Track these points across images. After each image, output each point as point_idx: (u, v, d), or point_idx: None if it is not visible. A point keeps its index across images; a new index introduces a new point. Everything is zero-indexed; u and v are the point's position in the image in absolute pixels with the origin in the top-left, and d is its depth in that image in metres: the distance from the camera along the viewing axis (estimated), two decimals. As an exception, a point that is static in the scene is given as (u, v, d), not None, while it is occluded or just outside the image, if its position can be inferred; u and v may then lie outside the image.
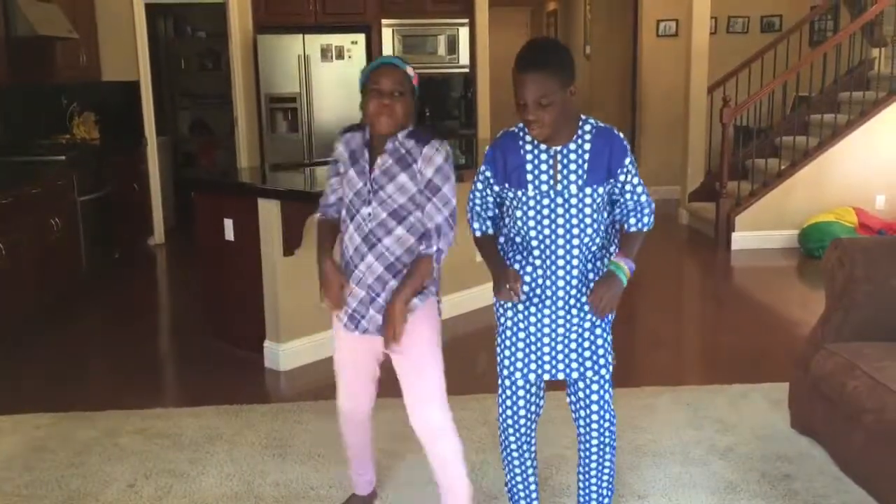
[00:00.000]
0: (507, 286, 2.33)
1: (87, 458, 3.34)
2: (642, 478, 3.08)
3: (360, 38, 7.33)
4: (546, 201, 2.33)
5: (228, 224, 4.42)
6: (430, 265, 2.41)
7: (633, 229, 2.42)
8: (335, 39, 7.27)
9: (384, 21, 7.46)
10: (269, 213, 4.16)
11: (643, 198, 2.40)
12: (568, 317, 2.41)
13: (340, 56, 7.31)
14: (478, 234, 2.52)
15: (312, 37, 7.23)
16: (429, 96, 7.90)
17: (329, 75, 7.32)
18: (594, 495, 2.62)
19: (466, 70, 7.69)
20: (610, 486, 2.63)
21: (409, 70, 2.40)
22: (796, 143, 7.33)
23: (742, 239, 7.00)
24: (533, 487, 2.67)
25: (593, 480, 2.60)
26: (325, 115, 7.36)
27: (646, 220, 2.42)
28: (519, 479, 2.64)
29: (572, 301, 2.40)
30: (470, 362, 4.57)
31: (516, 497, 2.68)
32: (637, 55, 9.54)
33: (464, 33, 7.58)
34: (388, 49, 7.46)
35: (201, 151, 9.26)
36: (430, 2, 7.57)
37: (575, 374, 2.46)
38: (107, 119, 7.13)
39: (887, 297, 3.11)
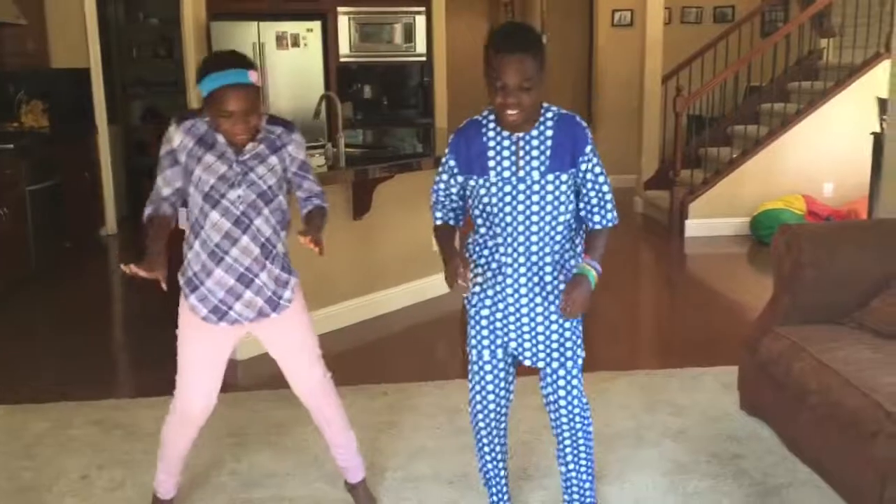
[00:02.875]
0: (458, 271, 2.27)
1: (38, 450, 3.29)
2: (596, 461, 3.12)
3: (317, 25, 7.27)
4: (508, 188, 2.32)
5: (182, 213, 4.35)
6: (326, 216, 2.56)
7: (597, 226, 2.41)
8: (290, 27, 7.20)
9: (340, 9, 7.39)
10: (224, 201, 4.12)
11: (605, 190, 2.38)
12: (532, 304, 2.41)
13: (296, 44, 7.24)
14: (438, 222, 2.52)
15: (267, 24, 7.15)
16: (385, 85, 7.88)
17: (285, 63, 7.24)
18: (574, 481, 2.63)
19: (423, 59, 7.67)
20: (589, 473, 2.63)
21: (253, 77, 2.34)
22: (747, 132, 7.46)
23: (695, 226, 7.12)
24: (503, 473, 2.69)
25: (571, 467, 2.61)
26: (281, 102, 7.28)
27: (609, 215, 2.40)
28: (490, 464, 2.65)
29: (536, 290, 2.40)
30: (429, 350, 4.60)
31: (489, 480, 2.69)
32: (593, 45, 9.61)
33: (420, 21, 7.55)
34: (344, 37, 7.40)
35: (154, 140, 9.10)
36: (387, -11, 7.54)
37: (541, 364, 2.47)
38: (56, 107, 6.98)
39: (833, 282, 3.19)
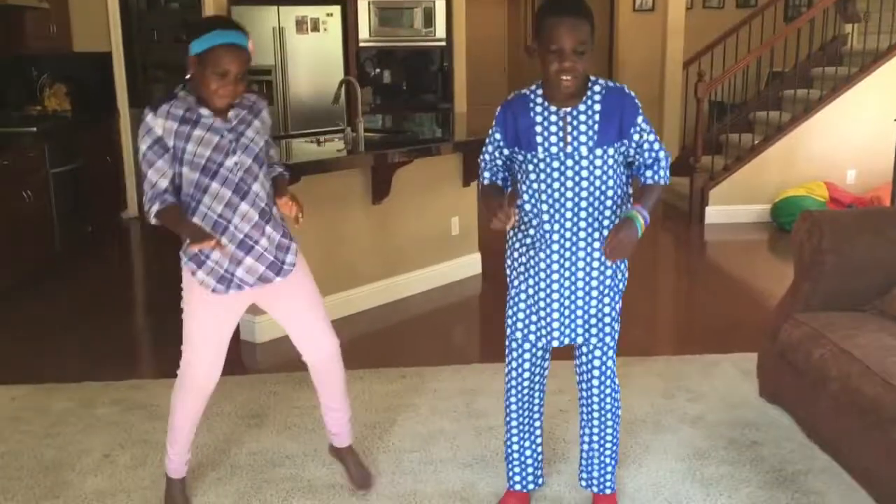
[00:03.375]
0: (504, 205, 2.24)
1: (62, 428, 3.34)
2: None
3: (336, 10, 7.27)
4: (556, 164, 2.31)
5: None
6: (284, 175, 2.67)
7: (649, 181, 2.40)
8: (310, 11, 7.20)
9: (360, -7, 7.40)
10: (245, 185, 4.14)
11: (661, 153, 2.38)
12: (573, 279, 2.39)
13: (316, 28, 7.25)
14: (486, 182, 2.48)
15: (287, 8, 7.16)
16: (405, 70, 7.88)
17: (305, 47, 7.25)
18: (596, 462, 2.64)
19: (443, 43, 7.65)
20: (613, 457, 2.64)
21: (251, 45, 2.41)
22: (769, 119, 7.39)
23: (715, 213, 7.07)
24: (533, 453, 2.68)
25: (596, 447, 2.61)
26: (301, 87, 7.31)
27: (662, 173, 2.39)
28: (517, 444, 2.66)
29: (581, 264, 2.38)
30: (447, 334, 4.61)
31: (511, 460, 2.69)
32: (614, 29, 9.54)
33: (440, 6, 7.53)
34: (364, 22, 7.39)
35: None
36: (407, -26, 7.52)
37: (580, 340, 2.46)
38: (78, 91, 7.03)
39: (854, 269, 3.17)
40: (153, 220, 2.46)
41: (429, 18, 7.54)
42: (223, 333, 2.64)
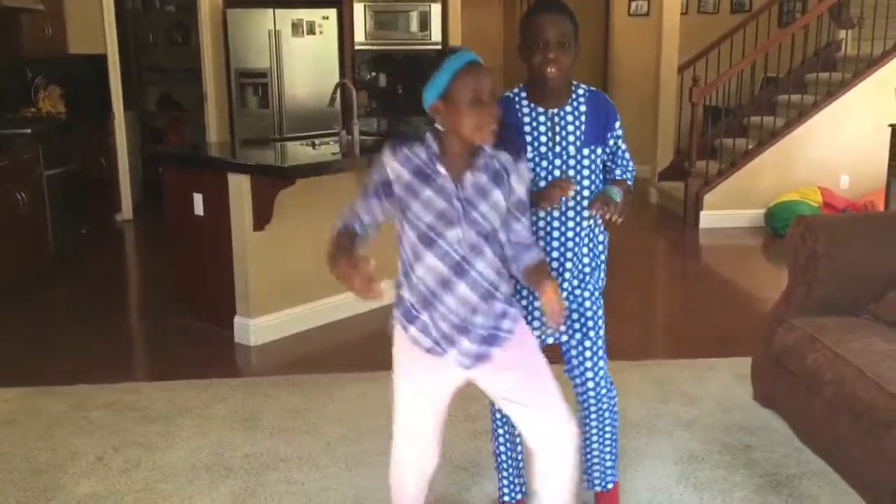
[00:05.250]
0: (561, 186, 2.24)
1: (55, 431, 3.32)
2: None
3: (332, 13, 7.27)
4: (545, 163, 2.36)
5: (198, 199, 4.39)
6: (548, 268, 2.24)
7: (618, 177, 2.49)
8: (306, 14, 7.21)
9: (356, -4, 7.41)
10: (240, 187, 4.14)
11: (630, 164, 2.51)
12: (572, 280, 2.43)
13: (312, 31, 7.26)
14: None
15: (283, 11, 7.16)
16: (401, 73, 7.88)
17: (300, 50, 7.26)
18: (597, 461, 2.64)
19: (439, 47, 7.66)
20: (613, 452, 2.64)
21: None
22: (764, 124, 7.42)
23: (710, 217, 7.09)
24: (519, 458, 2.67)
25: (595, 447, 2.62)
26: (296, 90, 7.31)
27: (629, 174, 2.50)
28: (503, 447, 2.66)
29: (568, 265, 2.42)
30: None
31: (500, 464, 2.69)
32: (609, 34, 9.56)
33: (436, 10, 7.55)
34: (359, 25, 7.40)
35: (170, 127, 9.14)
36: (403, -23, 7.53)
37: (564, 337, 2.48)
38: (73, 93, 7.02)
39: (848, 273, 3.17)
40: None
41: (424, 22, 7.55)
42: (436, 403, 2.23)
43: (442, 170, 2.06)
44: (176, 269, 4.78)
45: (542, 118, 2.36)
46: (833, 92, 7.07)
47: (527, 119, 2.37)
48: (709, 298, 5.28)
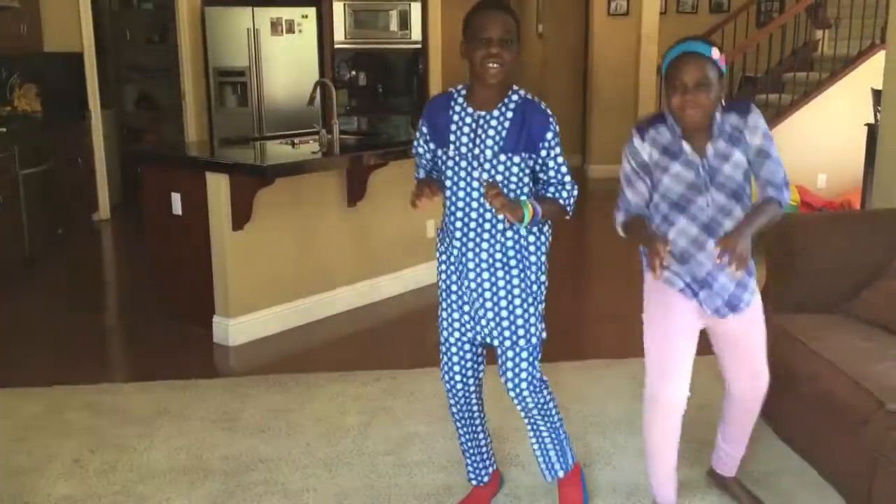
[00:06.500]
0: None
1: (31, 433, 3.29)
2: (588, 447, 3.15)
3: (311, 11, 7.24)
4: (464, 164, 2.40)
5: (176, 198, 4.36)
6: (777, 210, 2.41)
7: (549, 196, 2.42)
8: (285, 13, 7.17)
9: (335, -5, 7.38)
10: (218, 187, 4.12)
11: (567, 178, 2.42)
12: (479, 280, 2.44)
13: (291, 30, 7.22)
14: (421, 175, 2.59)
15: (262, 10, 7.12)
16: (380, 72, 7.87)
17: (279, 49, 7.22)
18: (539, 455, 2.68)
19: (418, 46, 7.66)
20: (555, 446, 2.65)
21: (715, 53, 2.28)
22: (742, 123, 7.44)
23: (689, 216, 7.10)
24: (482, 445, 2.74)
25: (534, 441, 2.66)
26: (276, 89, 7.27)
27: (565, 195, 2.42)
28: (464, 436, 2.72)
29: (484, 266, 2.43)
30: (422, 337, 4.60)
31: (465, 451, 2.76)
32: (589, 33, 9.59)
33: (416, 9, 7.54)
34: (339, 24, 7.38)
35: (147, 126, 9.07)
36: (382, -24, 7.51)
37: (488, 339, 2.50)
38: (49, 91, 6.93)
39: (825, 272, 3.20)
40: (619, 231, 2.50)
41: (404, 21, 7.54)
42: (689, 340, 2.52)
43: (687, 148, 2.33)
44: (154, 268, 4.74)
45: (468, 119, 2.40)
46: (810, 92, 7.13)
47: (455, 118, 2.41)
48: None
